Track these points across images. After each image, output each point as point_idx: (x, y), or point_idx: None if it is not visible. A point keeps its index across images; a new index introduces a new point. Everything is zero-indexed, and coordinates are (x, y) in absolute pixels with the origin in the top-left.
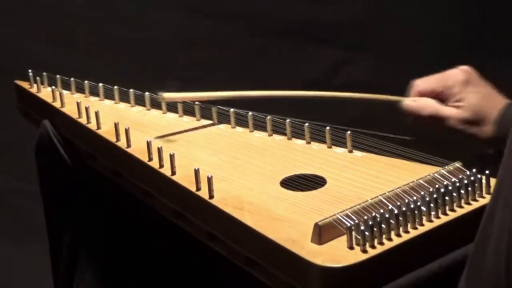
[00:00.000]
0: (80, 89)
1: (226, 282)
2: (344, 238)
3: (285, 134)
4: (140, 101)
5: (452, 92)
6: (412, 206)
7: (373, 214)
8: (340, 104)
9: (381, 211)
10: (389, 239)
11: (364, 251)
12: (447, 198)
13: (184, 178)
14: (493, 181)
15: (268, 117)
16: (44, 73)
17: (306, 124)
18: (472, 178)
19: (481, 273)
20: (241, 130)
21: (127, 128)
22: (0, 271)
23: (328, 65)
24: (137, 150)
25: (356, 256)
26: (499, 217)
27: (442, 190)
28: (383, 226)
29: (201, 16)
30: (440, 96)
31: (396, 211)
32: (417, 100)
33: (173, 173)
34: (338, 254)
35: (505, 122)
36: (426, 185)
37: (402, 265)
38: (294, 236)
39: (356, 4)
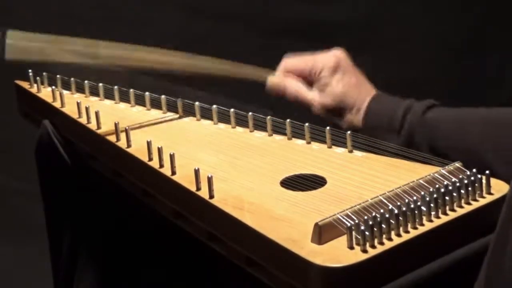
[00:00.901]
0: (80, 89)
1: (226, 282)
2: (344, 238)
3: (285, 134)
4: (140, 101)
5: (319, 76)
6: (412, 206)
7: (373, 214)
8: None
9: (381, 211)
10: (389, 239)
11: (364, 251)
12: (447, 198)
13: (184, 178)
14: (493, 181)
15: (268, 117)
16: (44, 73)
17: (306, 124)
18: (472, 178)
19: (501, 273)
20: (241, 130)
21: (127, 128)
22: (0, 271)
23: None
24: (137, 150)
25: (356, 256)
26: None
27: (442, 190)
28: (383, 226)
29: (201, 16)
30: (307, 79)
31: (396, 211)
32: (282, 80)
33: (173, 173)
34: (338, 254)
35: (371, 114)
36: (426, 185)
37: (402, 265)
38: (294, 236)
39: (356, 4)
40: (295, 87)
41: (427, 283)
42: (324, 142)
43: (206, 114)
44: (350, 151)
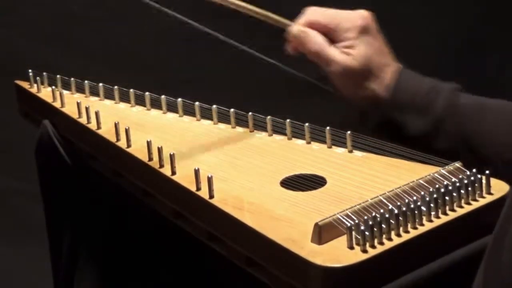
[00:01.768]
0: (80, 89)
1: (226, 282)
2: (344, 238)
3: (285, 134)
4: (140, 101)
5: (345, 35)
6: (412, 206)
7: (373, 214)
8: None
9: (381, 211)
10: (389, 239)
11: (364, 251)
12: (447, 198)
13: (184, 178)
14: (493, 181)
15: (268, 117)
16: (44, 73)
17: (306, 124)
18: (472, 178)
19: (498, 272)
20: (241, 130)
21: (127, 128)
22: (0, 271)
23: None
24: (137, 150)
25: (356, 256)
26: None
27: (442, 190)
28: (383, 226)
29: (201, 16)
30: (330, 35)
31: (396, 211)
32: (305, 31)
33: (173, 173)
34: (338, 254)
35: (400, 89)
36: (426, 185)
37: (402, 265)
38: (294, 236)
39: (356, 4)
40: (316, 41)
41: (427, 283)
42: (324, 142)
43: (206, 114)
44: (350, 151)
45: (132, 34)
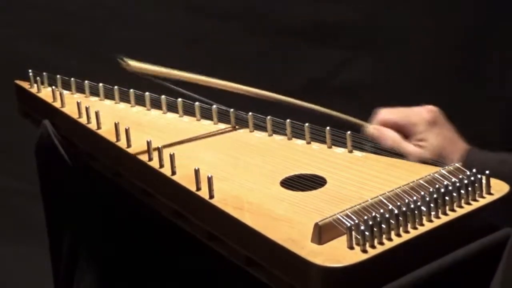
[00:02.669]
0: (80, 89)
1: (226, 282)
2: (344, 238)
3: (285, 134)
4: (140, 101)
5: (416, 130)
6: (412, 206)
7: (373, 214)
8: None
9: (381, 211)
10: (389, 239)
11: (364, 251)
12: (447, 198)
13: (184, 178)
14: (493, 181)
15: (268, 117)
16: (44, 73)
17: (306, 124)
18: (472, 178)
19: None
20: (241, 130)
21: (127, 128)
22: (0, 271)
23: (328, 65)
24: (137, 150)
25: (356, 256)
26: None
27: (442, 190)
28: (383, 226)
29: (201, 16)
30: (402, 131)
31: (396, 211)
32: (379, 129)
33: (173, 173)
34: (338, 254)
35: (469, 164)
36: (426, 185)
37: (402, 265)
38: (294, 236)
39: (356, 4)
40: (392, 138)
41: (427, 283)
42: (324, 142)
43: (206, 114)
44: (350, 151)
45: (132, 34)
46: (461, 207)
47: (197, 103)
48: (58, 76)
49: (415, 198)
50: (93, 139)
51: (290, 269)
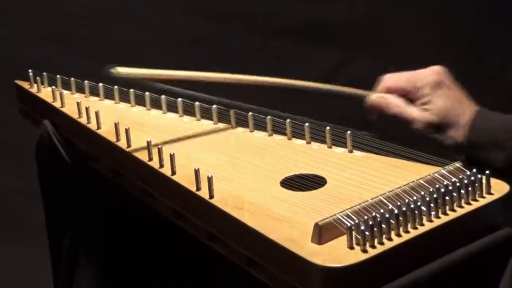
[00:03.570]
0: (80, 89)
1: (226, 282)
2: (344, 238)
3: (285, 134)
4: (140, 101)
5: (421, 93)
6: (412, 206)
7: (373, 214)
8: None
9: (381, 211)
10: (389, 239)
11: (364, 251)
12: (447, 198)
13: (184, 178)
14: (493, 181)
15: (268, 117)
16: (44, 73)
17: (306, 124)
18: (472, 178)
19: None
20: (241, 130)
21: (127, 128)
22: (0, 271)
23: (328, 65)
24: (137, 150)
25: (356, 256)
26: None
27: (442, 190)
28: (383, 226)
29: (201, 16)
30: (409, 96)
31: (396, 211)
32: (384, 97)
33: (173, 173)
34: (338, 254)
35: (475, 129)
36: (426, 185)
37: (402, 265)
38: (294, 236)
39: (356, 4)
40: (396, 104)
41: (427, 283)
42: (324, 142)
43: (206, 114)
44: (350, 151)
45: (132, 34)
46: (461, 207)
47: (197, 103)
48: (58, 76)
49: (415, 198)
50: (93, 139)
51: (290, 269)
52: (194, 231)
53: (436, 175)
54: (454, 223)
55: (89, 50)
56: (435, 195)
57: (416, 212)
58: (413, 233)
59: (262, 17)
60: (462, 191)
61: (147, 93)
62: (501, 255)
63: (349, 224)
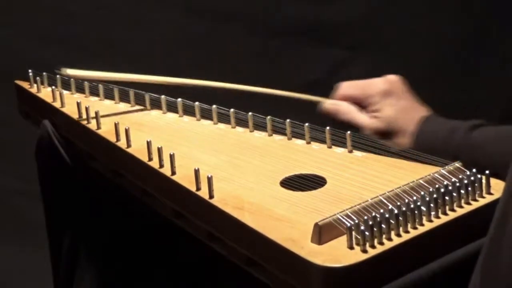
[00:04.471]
0: (80, 89)
1: (226, 282)
2: (344, 238)
3: (285, 134)
4: (140, 101)
5: (372, 101)
6: (412, 206)
7: (373, 214)
8: None
9: (381, 211)
10: (389, 239)
11: (364, 251)
12: (447, 198)
13: (184, 178)
14: (493, 181)
15: (268, 117)
16: (44, 73)
17: (306, 124)
18: (472, 178)
19: (496, 273)
20: (241, 130)
21: (127, 128)
22: (0, 271)
23: (328, 65)
24: (137, 150)
25: (356, 256)
26: None
27: (442, 190)
28: (383, 226)
29: (201, 16)
30: (361, 103)
31: (396, 211)
32: (336, 104)
33: (173, 173)
34: (338, 254)
35: (421, 136)
36: (426, 185)
37: (402, 265)
38: (294, 236)
39: (356, 4)
40: (347, 111)
41: (427, 283)
42: (324, 142)
43: (206, 114)
44: (350, 151)
45: (133, 34)
46: (461, 207)
47: (197, 103)
48: (58, 76)
49: (415, 198)
50: (93, 139)
51: (290, 269)
52: (194, 231)
53: (436, 175)
54: (454, 223)
55: (89, 50)
56: (435, 195)
57: (416, 212)
58: (413, 233)
59: (262, 17)
60: (462, 191)
61: (147, 93)
62: None
63: (349, 224)
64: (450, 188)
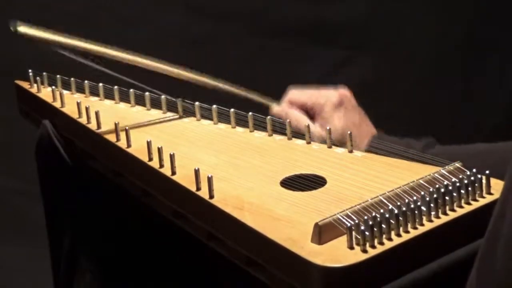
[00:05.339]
0: (80, 89)
1: (226, 282)
2: (344, 238)
3: (285, 134)
4: (140, 101)
5: (322, 111)
6: (412, 206)
7: (373, 214)
8: None
9: (381, 211)
10: (389, 239)
11: (364, 251)
12: (447, 198)
13: (184, 178)
14: (493, 181)
15: (268, 117)
16: (44, 73)
17: (306, 124)
18: (472, 178)
19: (492, 273)
20: (241, 130)
21: (127, 128)
22: (0, 271)
23: (328, 65)
24: (137, 150)
25: (356, 256)
26: (509, 216)
27: (442, 190)
28: (383, 226)
29: (201, 16)
30: (310, 111)
31: (396, 211)
32: (285, 109)
33: (173, 173)
34: (338, 254)
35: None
36: (426, 185)
37: (402, 265)
38: (294, 236)
39: (356, 4)
40: (296, 119)
41: (427, 283)
42: (324, 142)
43: (206, 114)
44: (350, 151)
45: (133, 34)
46: (461, 207)
47: (197, 103)
48: (58, 76)
49: (415, 198)
50: (93, 139)
51: (290, 269)
52: (194, 231)
53: (436, 175)
54: (454, 223)
55: None
56: (435, 195)
57: (416, 212)
58: (413, 233)
59: (262, 17)
60: (462, 191)
61: (147, 93)
62: None
63: (349, 224)
64: (450, 188)
